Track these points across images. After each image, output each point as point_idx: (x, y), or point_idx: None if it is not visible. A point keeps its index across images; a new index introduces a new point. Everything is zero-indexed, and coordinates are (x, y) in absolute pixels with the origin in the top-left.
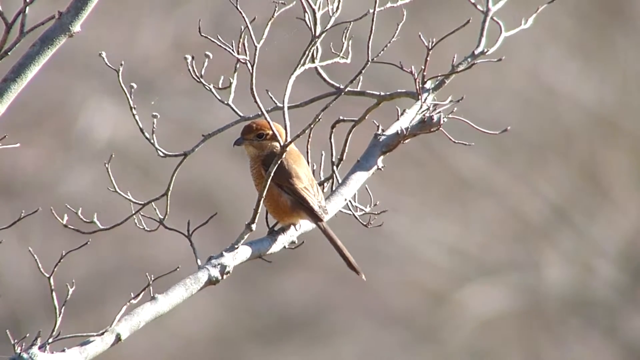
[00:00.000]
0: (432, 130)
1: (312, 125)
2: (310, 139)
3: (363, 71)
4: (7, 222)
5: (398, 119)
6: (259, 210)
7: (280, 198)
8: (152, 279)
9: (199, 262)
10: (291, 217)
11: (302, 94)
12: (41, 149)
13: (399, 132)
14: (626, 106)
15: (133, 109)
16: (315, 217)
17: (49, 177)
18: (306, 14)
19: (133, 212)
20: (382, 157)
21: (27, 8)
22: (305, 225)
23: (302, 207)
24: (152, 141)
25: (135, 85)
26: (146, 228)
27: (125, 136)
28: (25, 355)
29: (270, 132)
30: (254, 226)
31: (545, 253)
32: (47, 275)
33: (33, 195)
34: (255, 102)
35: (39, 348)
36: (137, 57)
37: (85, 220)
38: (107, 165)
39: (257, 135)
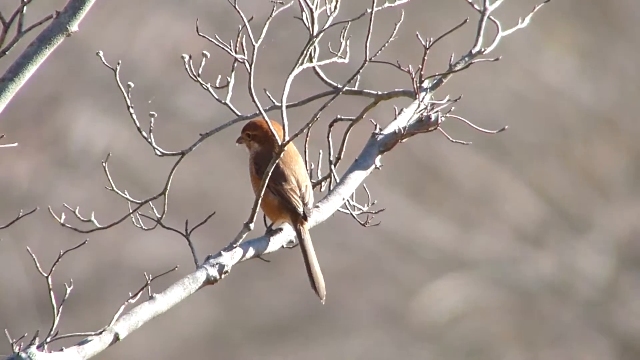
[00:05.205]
0: (429, 129)
1: (310, 124)
2: (308, 138)
3: (361, 70)
4: (5, 224)
5: (396, 118)
6: (257, 210)
7: (267, 198)
8: (150, 278)
9: (197, 262)
10: (280, 217)
11: (300, 93)
12: (36, 156)
13: (397, 131)
14: (624, 105)
15: (130, 108)
16: (295, 220)
17: (44, 185)
18: (304, 14)
19: (130, 211)
20: (379, 156)
21: (25, 7)
22: None
23: (287, 208)
24: (149, 140)
25: (132, 85)
26: (144, 227)
27: (122, 145)
28: (23, 355)
29: (256, 134)
30: (252, 225)
31: (542, 252)
32: (45, 275)
33: (30, 200)
34: (253, 101)
35: (37, 347)
36: (135, 58)
37: (82, 219)
38: (104, 163)
39: (247, 134)
